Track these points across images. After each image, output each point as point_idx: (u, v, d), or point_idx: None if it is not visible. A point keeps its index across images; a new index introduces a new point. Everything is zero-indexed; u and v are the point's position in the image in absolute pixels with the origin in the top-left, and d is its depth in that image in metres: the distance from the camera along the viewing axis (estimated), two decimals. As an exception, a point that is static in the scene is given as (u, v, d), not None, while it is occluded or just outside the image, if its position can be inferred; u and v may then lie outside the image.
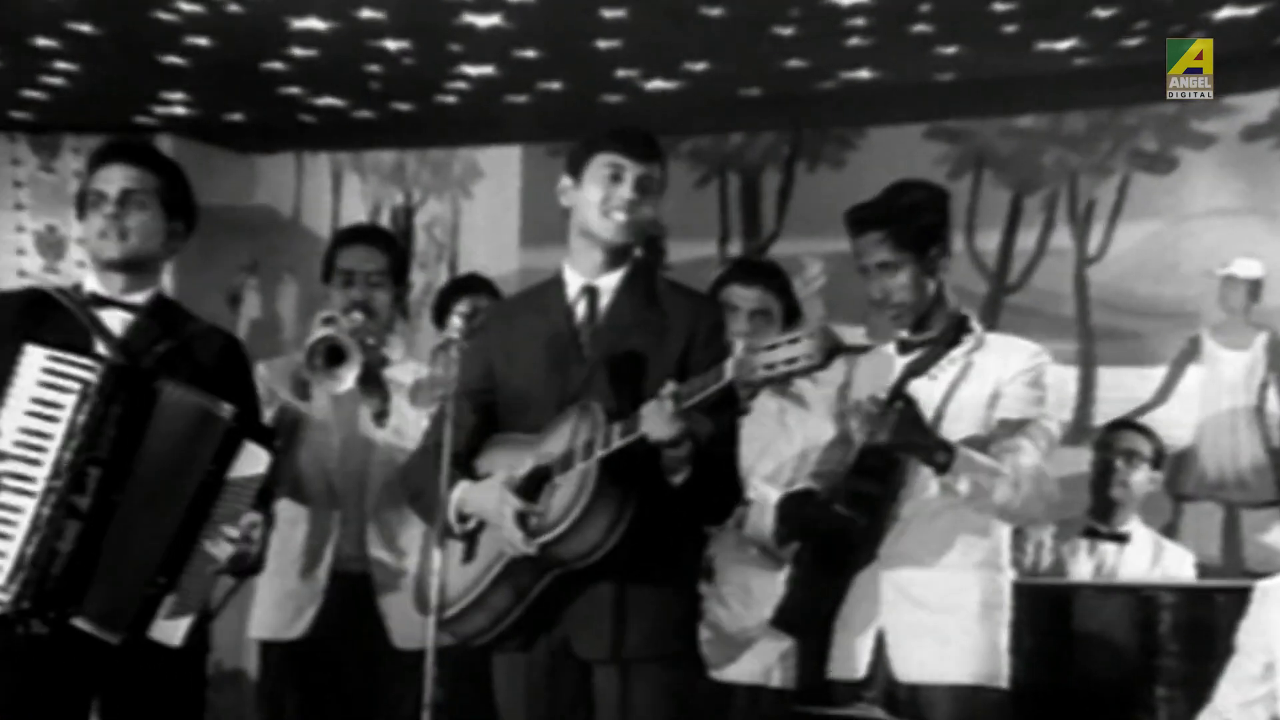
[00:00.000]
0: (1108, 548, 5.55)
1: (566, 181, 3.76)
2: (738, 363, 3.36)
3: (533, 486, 3.58)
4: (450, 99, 7.01)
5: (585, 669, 3.63)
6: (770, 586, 4.45)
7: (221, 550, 3.65)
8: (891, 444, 3.83)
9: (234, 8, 5.92)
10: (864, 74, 6.58)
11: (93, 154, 3.96)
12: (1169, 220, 6.75)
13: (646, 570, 3.56)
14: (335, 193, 8.06)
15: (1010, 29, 5.98)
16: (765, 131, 7.38)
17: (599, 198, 3.68)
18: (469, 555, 3.68)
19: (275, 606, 4.64)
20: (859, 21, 5.96)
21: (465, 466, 3.69)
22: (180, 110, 7.19)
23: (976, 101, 6.85)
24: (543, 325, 3.73)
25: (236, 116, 7.38)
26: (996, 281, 6.97)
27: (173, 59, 6.48)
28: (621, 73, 6.60)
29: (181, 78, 6.71)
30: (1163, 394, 6.67)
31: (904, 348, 4.09)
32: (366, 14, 5.96)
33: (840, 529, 3.99)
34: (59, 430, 3.57)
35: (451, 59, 6.48)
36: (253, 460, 3.67)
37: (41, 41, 6.33)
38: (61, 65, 6.59)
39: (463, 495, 3.65)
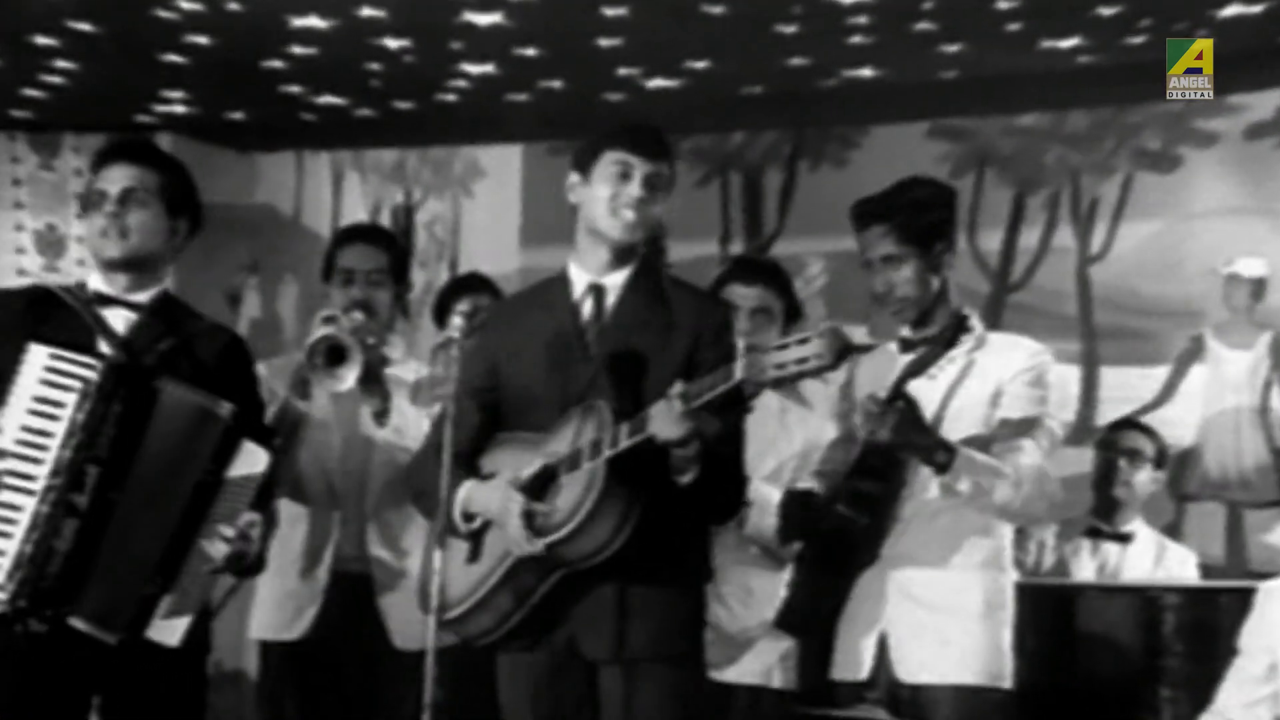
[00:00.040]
0: (1110, 548, 5.54)
1: (574, 178, 3.74)
2: (748, 363, 3.35)
3: (539, 486, 3.56)
4: (451, 97, 7.01)
5: (591, 669, 3.61)
6: (771, 587, 4.43)
7: (219, 550, 3.63)
8: (891, 443, 3.82)
9: (234, 6, 5.93)
10: (866, 72, 6.59)
11: (96, 154, 3.94)
12: (1172, 219, 6.76)
13: (653, 570, 3.54)
14: (336, 191, 8.06)
15: (1013, 27, 5.98)
16: (767, 130, 7.39)
17: (607, 195, 3.66)
18: (474, 555, 3.66)
19: (275, 607, 4.63)
20: (861, 20, 5.96)
21: (470, 465, 3.68)
22: (180, 109, 7.19)
23: (979, 100, 6.87)
24: (548, 323, 3.72)
25: (237, 115, 7.38)
26: (999, 280, 6.97)
27: (173, 57, 6.49)
28: (623, 71, 6.61)
29: (181, 76, 6.72)
30: (1166, 393, 6.67)
31: (906, 346, 4.07)
32: (367, 12, 5.96)
33: (842, 529, 3.98)
34: (60, 429, 3.56)
35: (452, 57, 6.48)
36: (252, 459, 3.66)
37: (41, 40, 6.33)
38: (61, 64, 6.60)
39: (468, 494, 3.63)
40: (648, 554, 3.49)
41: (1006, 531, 4.05)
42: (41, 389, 3.56)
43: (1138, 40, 6.01)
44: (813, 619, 4.09)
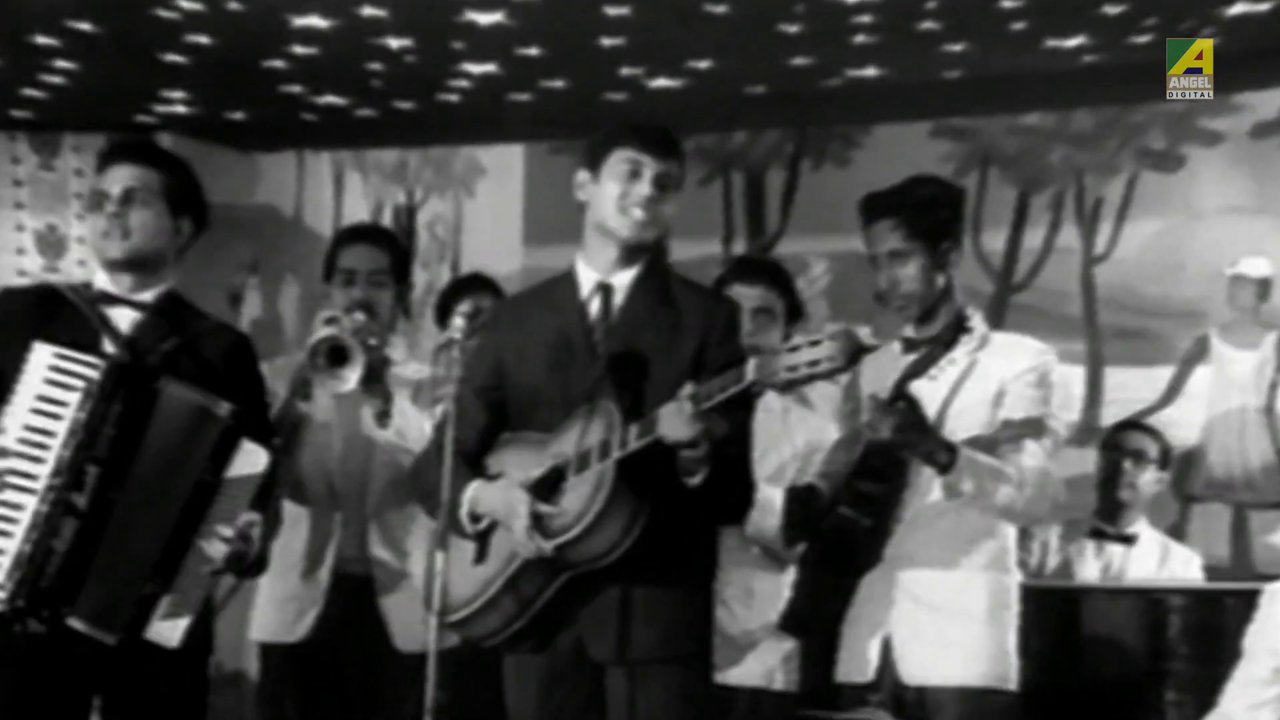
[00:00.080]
0: (1115, 549, 5.55)
1: (583, 175, 3.72)
2: (759, 365, 3.34)
3: (547, 487, 3.55)
4: (452, 97, 7.00)
5: (598, 670, 3.60)
6: (773, 588, 4.44)
7: (218, 550, 3.63)
8: (893, 444, 3.82)
9: (234, 5, 5.92)
10: (870, 72, 6.57)
11: (99, 154, 3.95)
12: (1177, 219, 6.75)
13: (661, 571, 3.54)
14: (337, 191, 8.06)
15: (1018, 26, 5.97)
16: (770, 130, 7.39)
17: (617, 193, 3.65)
18: (481, 556, 3.65)
19: (276, 608, 4.62)
20: (865, 19, 5.95)
21: (476, 465, 3.67)
22: (181, 109, 7.19)
23: (983, 99, 6.85)
24: (555, 322, 3.70)
25: (237, 115, 7.37)
26: (1002, 281, 6.97)
27: (173, 57, 6.48)
28: (625, 70, 6.59)
29: (182, 76, 6.71)
30: (1170, 394, 6.66)
31: (908, 346, 4.07)
32: (368, 11, 5.95)
33: (845, 530, 3.97)
34: (62, 428, 3.57)
35: (454, 57, 6.47)
36: (252, 459, 3.66)
37: (41, 40, 6.32)
38: (61, 63, 6.59)
39: (475, 495, 3.62)
40: (655, 555, 3.48)
41: (1010, 532, 4.04)
42: (45, 388, 3.58)
43: (1143, 39, 5.99)
44: (817, 621, 4.10)
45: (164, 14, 5.99)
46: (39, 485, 3.55)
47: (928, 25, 5.98)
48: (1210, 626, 4.60)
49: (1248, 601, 4.11)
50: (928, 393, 3.96)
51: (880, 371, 4.05)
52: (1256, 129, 6.57)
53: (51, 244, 7.52)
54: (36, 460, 3.56)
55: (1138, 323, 6.77)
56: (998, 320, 6.17)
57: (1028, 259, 6.96)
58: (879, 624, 3.96)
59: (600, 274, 3.70)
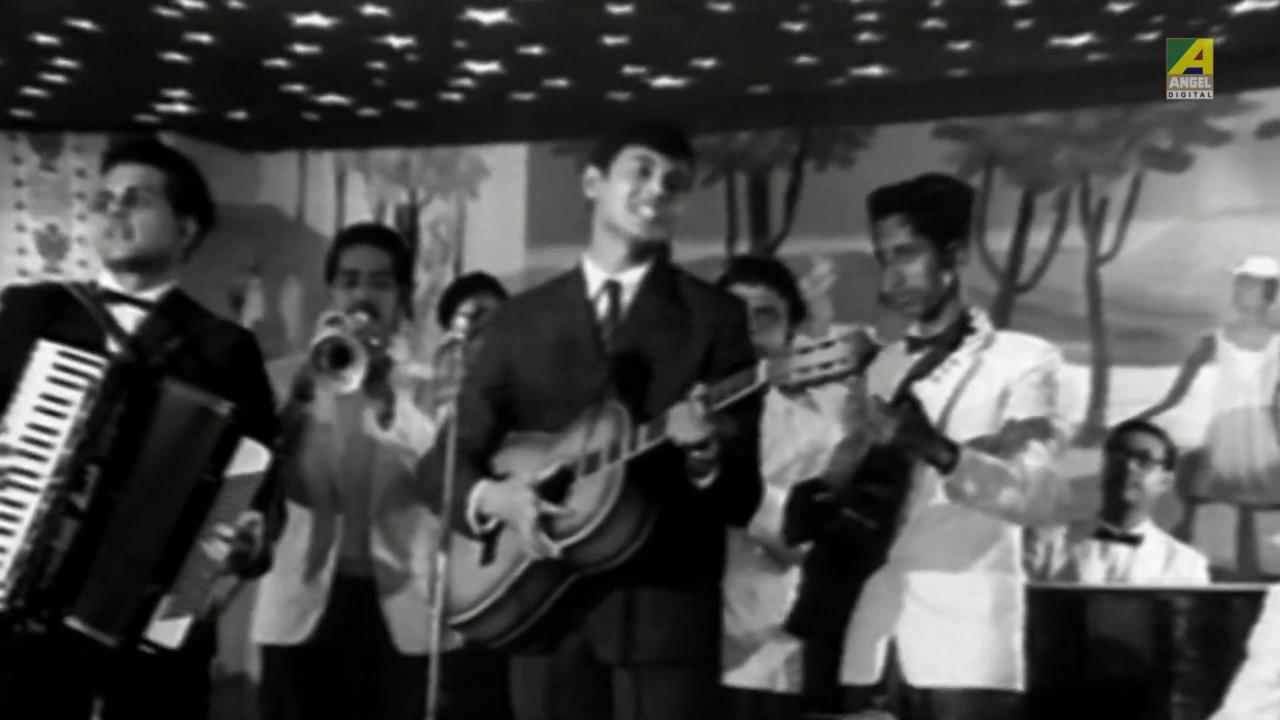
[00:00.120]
0: (1120, 550, 5.54)
1: (593, 172, 3.70)
2: (771, 366, 3.33)
3: (554, 487, 3.53)
4: (455, 97, 7.00)
5: (605, 672, 3.58)
6: (776, 589, 4.44)
7: (218, 550, 3.62)
8: (895, 445, 3.80)
9: (236, 4, 5.92)
10: (874, 71, 6.57)
11: (104, 154, 3.97)
12: (1183, 219, 6.74)
13: (669, 573, 3.52)
14: (339, 192, 8.06)
15: (1023, 25, 5.97)
16: (774, 129, 7.38)
17: (626, 192, 3.63)
18: (488, 557, 3.63)
19: (278, 610, 4.61)
20: (870, 17, 5.95)
21: (482, 465, 3.65)
22: (182, 108, 7.19)
23: (988, 99, 6.85)
24: (562, 321, 3.68)
25: (239, 115, 7.38)
26: (1007, 281, 6.96)
27: (174, 56, 6.48)
28: (628, 70, 6.60)
29: (183, 75, 6.71)
30: (1176, 395, 6.66)
31: (913, 346, 4.06)
32: (370, 10, 5.95)
33: (850, 532, 3.95)
34: (65, 426, 3.57)
35: (456, 56, 6.47)
36: (253, 458, 3.65)
37: (42, 39, 6.33)
38: (62, 63, 6.60)
39: (482, 496, 3.60)
40: (664, 557, 3.46)
41: (1015, 533, 4.03)
42: (49, 386, 3.58)
43: (1150, 37, 5.98)
44: (822, 623, 4.07)
45: (165, 13, 6.00)
46: (41, 484, 3.55)
47: (932, 24, 5.98)
48: (1216, 628, 4.59)
49: (1254, 603, 4.10)
50: (931, 394, 3.94)
51: (884, 372, 4.03)
52: (1263, 128, 6.56)
53: (53, 244, 7.52)
54: (39, 459, 3.56)
55: (1143, 323, 6.76)
56: (1002, 321, 6.15)
57: (1033, 259, 6.95)
58: (884, 626, 3.94)
59: (609, 272, 3.68)
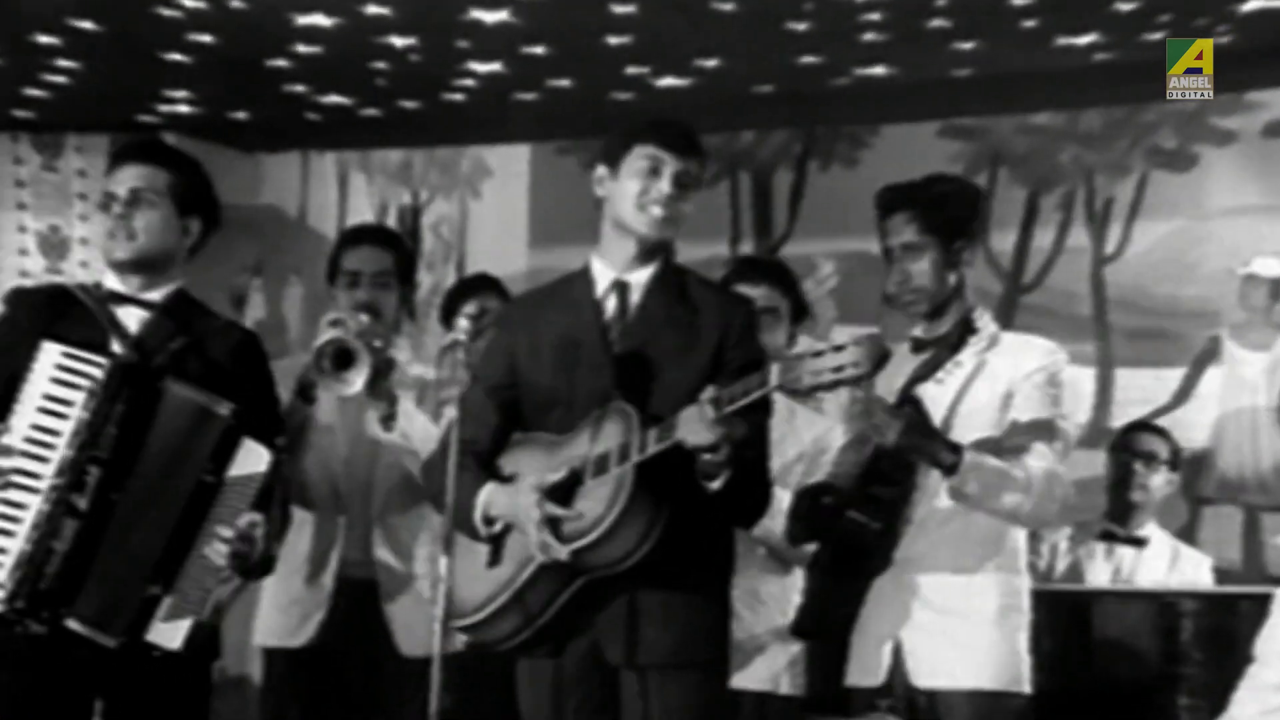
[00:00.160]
0: (1125, 552, 5.55)
1: (602, 171, 3.69)
2: (783, 370, 3.31)
3: (562, 490, 3.51)
4: (458, 97, 6.99)
5: (612, 674, 3.57)
6: (779, 591, 4.45)
7: (219, 550, 3.62)
8: (898, 446, 3.78)
9: (237, 4, 5.91)
10: (878, 70, 6.56)
11: (110, 154, 4.03)
12: (1188, 219, 6.72)
13: (678, 575, 3.51)
14: (341, 192, 8.05)
15: (1029, 24, 5.95)
16: (777, 129, 7.36)
17: (636, 191, 3.62)
18: (495, 559, 3.62)
19: (280, 613, 4.60)
20: (874, 17, 5.94)
21: (488, 466, 3.64)
22: (184, 108, 7.18)
23: (992, 99, 6.83)
24: (569, 321, 3.67)
25: (241, 115, 7.37)
26: (1012, 281, 6.94)
27: (175, 56, 6.47)
28: (632, 70, 6.58)
29: (184, 75, 6.71)
30: (1182, 395, 6.64)
31: (917, 346, 4.05)
32: (372, 10, 5.94)
33: (855, 534, 3.94)
34: (68, 427, 3.58)
35: (459, 56, 6.46)
36: (254, 458, 3.66)
37: (43, 39, 6.32)
38: (63, 63, 6.59)
39: (489, 498, 3.59)
40: (673, 559, 3.45)
41: (1020, 534, 4.02)
42: (52, 387, 3.60)
43: (1157, 36, 5.96)
44: (828, 625, 4.06)
45: (166, 12, 5.98)
46: (43, 485, 3.56)
47: (937, 23, 5.97)
48: (1223, 631, 4.59)
49: (1261, 605, 4.08)
50: (935, 395, 3.93)
51: (888, 372, 4.00)
52: (1269, 127, 6.53)
53: (54, 245, 7.51)
54: (41, 460, 3.58)
55: (1148, 323, 6.74)
56: (1007, 321, 6.13)
57: (1037, 259, 6.93)
58: (889, 628, 3.93)
59: (617, 271, 3.67)
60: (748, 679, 4.39)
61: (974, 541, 3.91)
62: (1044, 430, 3.91)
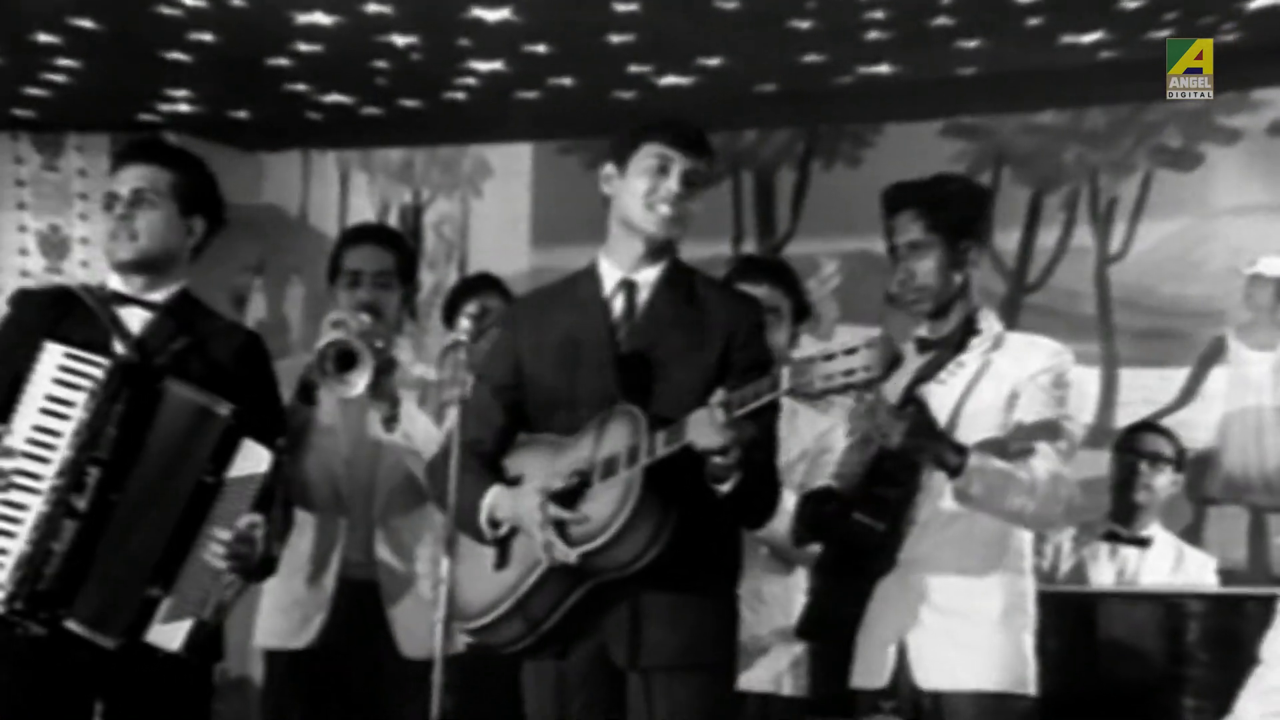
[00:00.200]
0: (1129, 552, 5.55)
1: (609, 169, 3.67)
2: (793, 373, 3.29)
3: (570, 492, 3.49)
4: (459, 95, 6.98)
5: (619, 676, 3.56)
6: (782, 591, 4.45)
7: (219, 551, 3.61)
8: (902, 447, 3.76)
9: (238, 2, 5.92)
10: (882, 69, 6.55)
11: (114, 154, 3.99)
12: (1193, 218, 6.71)
13: (687, 578, 3.49)
14: (342, 191, 8.05)
15: (1034, 22, 5.94)
16: (780, 128, 7.36)
17: (644, 189, 3.60)
18: (502, 562, 3.60)
19: (282, 614, 4.58)
20: (877, 15, 5.93)
21: (494, 467, 3.63)
22: (184, 107, 7.18)
23: (996, 97, 6.82)
24: (576, 320, 3.65)
25: (241, 114, 7.37)
26: (1016, 281, 6.94)
27: (176, 55, 6.46)
28: (634, 68, 6.57)
29: (185, 74, 6.70)
30: (1186, 395, 6.63)
31: (922, 347, 4.03)
32: (373, 8, 5.93)
33: (860, 534, 3.92)
34: (69, 428, 3.58)
35: (460, 54, 6.45)
36: (254, 459, 3.65)
37: (43, 38, 6.31)
38: (63, 62, 6.58)
39: (494, 502, 3.57)
40: (681, 561, 3.44)
41: (1025, 535, 4.00)
42: (54, 388, 3.60)
43: (1161, 34, 5.94)
44: (833, 627, 4.05)
45: (167, 11, 5.98)
46: (44, 486, 3.56)
47: (941, 21, 5.96)
48: (1230, 632, 4.57)
49: (1267, 607, 4.07)
50: (939, 396, 3.92)
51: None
52: (1275, 126, 6.53)
53: (54, 244, 7.50)
54: (43, 461, 3.58)
55: (1153, 323, 6.74)
56: (1011, 321, 6.12)
57: (1041, 259, 6.92)
58: (894, 629, 3.91)
59: (624, 271, 3.66)
60: (750, 680, 4.38)
61: (979, 543, 3.90)
62: (1049, 431, 3.89)
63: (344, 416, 4.57)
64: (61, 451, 3.57)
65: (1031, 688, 3.90)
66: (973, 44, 6.22)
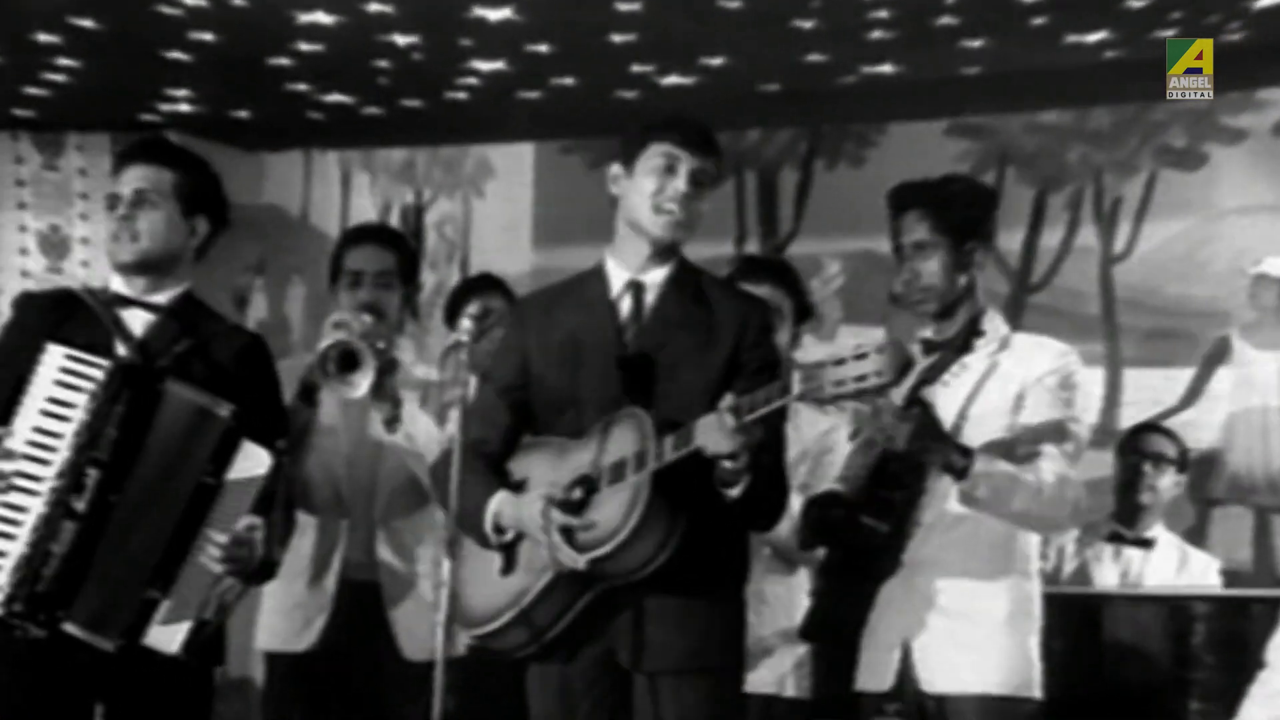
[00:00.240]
0: (1133, 554, 5.56)
1: (617, 169, 3.65)
2: (805, 379, 3.26)
3: (577, 498, 3.47)
4: (461, 95, 6.98)
5: (625, 679, 3.54)
6: (784, 592, 4.44)
7: (218, 553, 3.60)
8: (908, 449, 3.75)
9: (239, 2, 5.91)
10: (885, 69, 6.54)
11: (117, 154, 3.97)
12: (1198, 218, 6.71)
13: (694, 581, 3.47)
14: (344, 191, 8.06)
15: (1038, 21, 5.93)
16: (783, 128, 7.35)
17: (651, 189, 3.58)
18: (509, 567, 3.58)
19: (283, 616, 4.57)
20: (881, 14, 5.92)
21: (499, 469, 3.61)
22: (185, 107, 7.18)
23: (1000, 97, 6.82)
24: (583, 321, 3.63)
25: (243, 114, 7.37)
26: (1020, 281, 6.94)
27: (177, 54, 6.47)
28: (636, 68, 6.57)
29: (186, 74, 6.71)
30: (1191, 396, 6.63)
31: (928, 348, 4.01)
32: (374, 7, 5.93)
33: (864, 536, 3.92)
34: (70, 430, 3.58)
35: (462, 54, 6.45)
36: (254, 461, 3.64)
37: (44, 37, 6.31)
38: (64, 62, 6.58)
39: (499, 508, 3.55)
40: (689, 565, 3.42)
41: (1031, 538, 3.99)
42: (55, 390, 3.60)
43: (1168, 34, 5.93)
44: (837, 629, 4.04)
45: (167, 10, 5.97)
46: (44, 487, 3.56)
47: (945, 21, 5.95)
48: (1235, 634, 4.58)
49: (1273, 609, 4.08)
50: (944, 398, 3.91)
51: (897, 374, 4.00)
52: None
53: (55, 244, 7.50)
54: (43, 463, 3.57)
55: (1157, 323, 6.73)
56: (1015, 321, 6.10)
57: (1045, 259, 6.91)
58: (899, 631, 3.90)
59: (631, 272, 3.63)
60: (753, 682, 4.35)
61: (984, 545, 3.89)
62: (1056, 433, 3.88)
63: (345, 417, 4.55)
64: (61, 453, 3.56)
65: (1037, 691, 3.89)
66: (977, 43, 6.21)
